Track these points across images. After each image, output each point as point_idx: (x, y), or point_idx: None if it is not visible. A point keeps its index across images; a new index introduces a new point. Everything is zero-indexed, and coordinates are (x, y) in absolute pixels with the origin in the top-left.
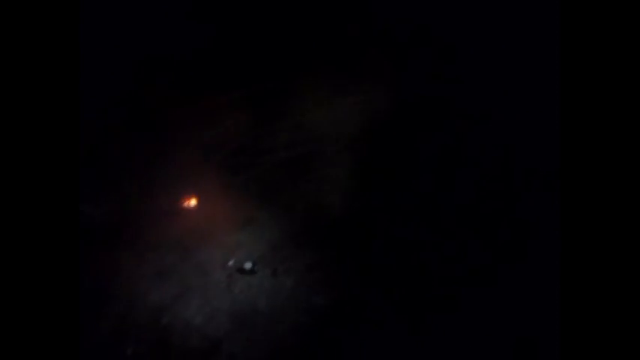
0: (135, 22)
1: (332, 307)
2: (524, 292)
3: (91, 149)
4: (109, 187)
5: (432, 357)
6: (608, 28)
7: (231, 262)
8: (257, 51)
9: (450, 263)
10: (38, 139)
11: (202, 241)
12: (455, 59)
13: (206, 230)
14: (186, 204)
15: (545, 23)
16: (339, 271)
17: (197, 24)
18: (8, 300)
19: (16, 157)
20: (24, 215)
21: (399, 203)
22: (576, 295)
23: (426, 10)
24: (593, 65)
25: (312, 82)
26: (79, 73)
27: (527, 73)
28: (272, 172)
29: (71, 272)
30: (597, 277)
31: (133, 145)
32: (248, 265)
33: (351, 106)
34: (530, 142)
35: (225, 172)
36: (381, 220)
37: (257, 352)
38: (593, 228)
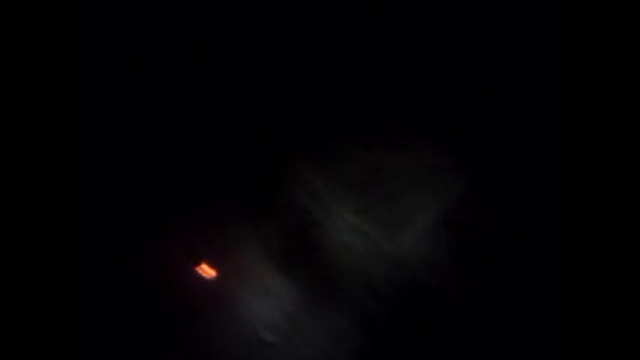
0: None
1: None
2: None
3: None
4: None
5: None
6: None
7: (252, 334)
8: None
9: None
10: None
11: (221, 310)
12: None
13: (224, 298)
14: (203, 272)
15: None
16: (355, 335)
17: None
18: (9, 300)
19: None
20: (25, 216)
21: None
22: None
23: None
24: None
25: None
26: None
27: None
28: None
29: (71, 271)
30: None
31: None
32: (269, 337)
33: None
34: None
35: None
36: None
37: None
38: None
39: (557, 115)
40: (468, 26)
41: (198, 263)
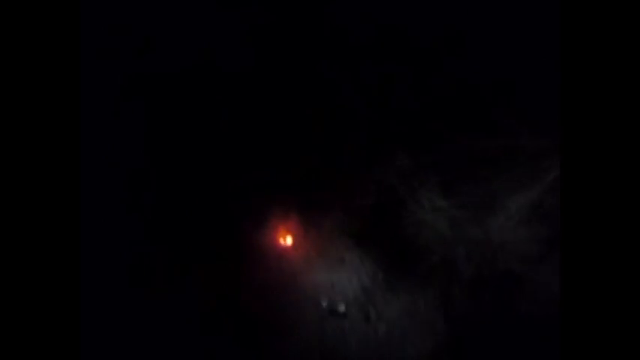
0: None
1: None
2: None
3: None
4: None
5: None
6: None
7: (324, 304)
8: None
9: None
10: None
11: (296, 280)
12: None
13: (300, 268)
14: (282, 241)
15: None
16: (435, 319)
17: None
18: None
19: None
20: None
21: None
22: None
23: None
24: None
25: None
26: None
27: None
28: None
29: (72, 271)
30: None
31: None
32: (342, 308)
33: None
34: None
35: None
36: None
37: None
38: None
39: None
40: None
41: (281, 234)
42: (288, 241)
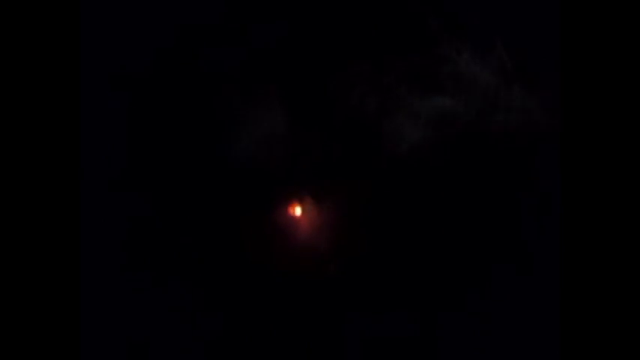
0: None
1: None
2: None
3: None
4: None
5: None
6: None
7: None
8: None
9: None
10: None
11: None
12: None
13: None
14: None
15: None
16: None
17: None
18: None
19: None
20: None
21: None
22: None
23: None
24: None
25: None
26: None
27: None
28: None
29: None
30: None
31: None
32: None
33: None
34: None
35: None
36: None
37: None
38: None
39: None
40: None
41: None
42: (297, 212)
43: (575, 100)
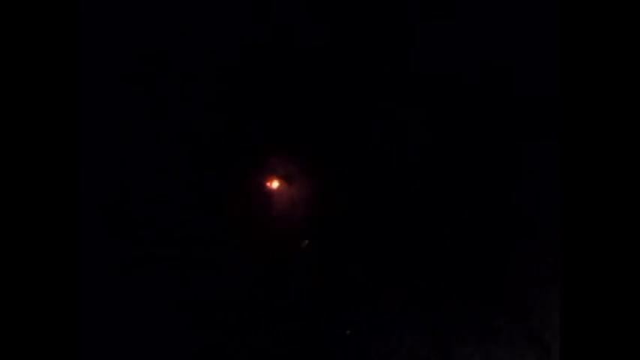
0: None
1: None
2: None
3: None
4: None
5: None
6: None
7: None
8: None
9: None
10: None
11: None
12: None
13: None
14: (269, 184)
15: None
16: None
17: None
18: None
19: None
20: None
21: None
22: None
23: None
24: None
25: None
26: None
27: None
28: None
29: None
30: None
31: None
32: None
33: None
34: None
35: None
36: None
37: None
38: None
39: None
40: None
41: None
42: (274, 185)
43: (576, 100)
